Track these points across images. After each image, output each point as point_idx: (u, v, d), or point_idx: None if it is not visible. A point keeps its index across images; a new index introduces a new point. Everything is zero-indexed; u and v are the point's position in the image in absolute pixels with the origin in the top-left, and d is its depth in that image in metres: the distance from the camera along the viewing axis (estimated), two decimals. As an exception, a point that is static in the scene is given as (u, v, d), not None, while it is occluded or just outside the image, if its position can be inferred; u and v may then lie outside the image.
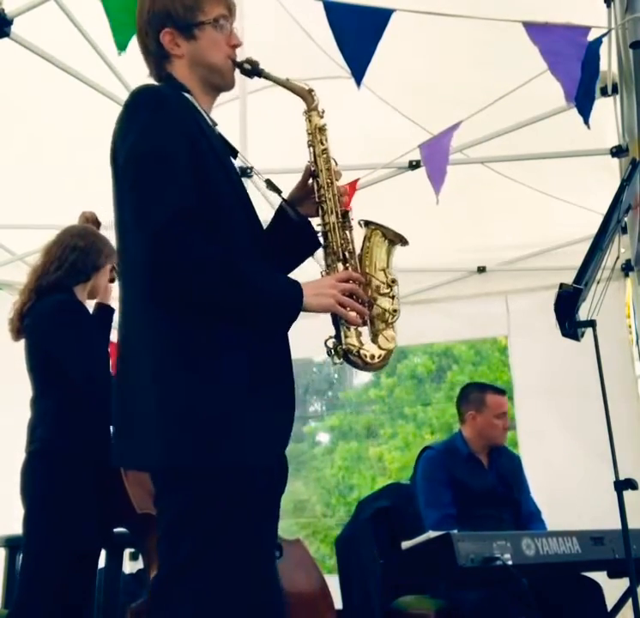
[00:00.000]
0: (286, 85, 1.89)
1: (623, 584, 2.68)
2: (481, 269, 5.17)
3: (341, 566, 3.33)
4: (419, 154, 3.67)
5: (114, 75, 3.38)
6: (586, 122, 2.87)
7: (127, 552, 3.67)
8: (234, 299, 1.60)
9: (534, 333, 4.81)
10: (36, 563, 2.55)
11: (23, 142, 3.90)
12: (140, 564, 3.77)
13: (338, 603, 3.22)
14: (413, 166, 3.86)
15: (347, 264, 1.78)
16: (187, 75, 1.79)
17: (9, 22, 2.77)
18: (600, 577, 3.11)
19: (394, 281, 1.80)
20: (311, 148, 1.86)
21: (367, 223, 1.85)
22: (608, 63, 3.22)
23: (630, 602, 2.39)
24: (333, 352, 1.71)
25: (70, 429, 2.62)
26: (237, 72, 1.86)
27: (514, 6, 3.00)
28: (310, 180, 1.86)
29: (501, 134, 3.69)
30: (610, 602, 3.16)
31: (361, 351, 1.72)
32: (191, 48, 1.78)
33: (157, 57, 1.80)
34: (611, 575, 3.00)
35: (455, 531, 2.69)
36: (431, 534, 2.73)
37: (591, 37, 2.78)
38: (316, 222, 1.87)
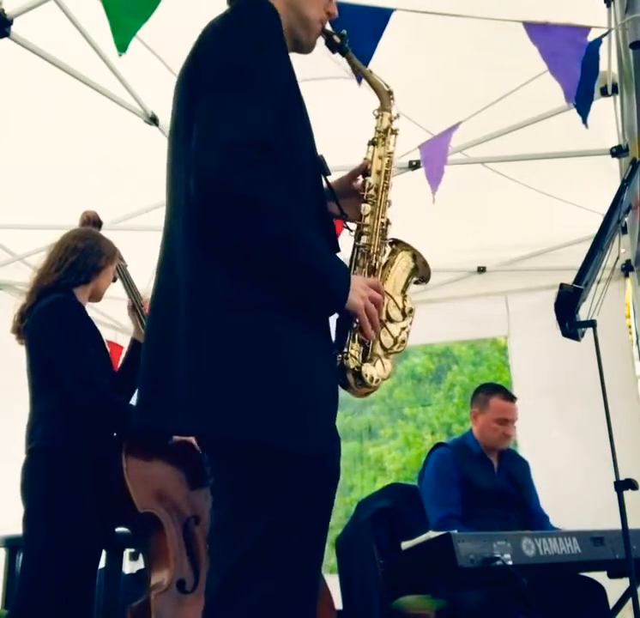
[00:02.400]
0: (367, 76, 1.80)
1: (623, 584, 2.68)
2: (481, 269, 5.17)
3: (341, 566, 3.33)
4: (419, 154, 3.67)
5: (114, 75, 3.38)
6: (584, 121, 2.87)
7: (127, 552, 3.66)
8: (283, 256, 1.43)
9: (534, 333, 4.81)
10: (36, 563, 2.55)
11: (23, 142, 3.90)
12: (140, 564, 3.76)
13: (338, 603, 3.22)
14: (413, 166, 3.87)
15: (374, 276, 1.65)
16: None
17: (9, 22, 2.77)
18: (600, 577, 3.11)
19: (411, 310, 1.67)
20: (373, 147, 1.78)
21: (397, 242, 1.72)
22: (608, 63, 3.22)
23: (630, 602, 2.39)
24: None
25: (67, 428, 2.62)
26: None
27: (514, 6, 3.00)
28: (360, 178, 1.77)
29: (501, 134, 3.69)
30: (610, 603, 3.16)
31: (363, 369, 1.57)
32: None
33: None
34: (611, 575, 3.00)
35: (456, 531, 2.69)
36: (431, 534, 2.73)
37: (591, 37, 2.78)
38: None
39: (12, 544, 3.43)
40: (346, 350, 1.57)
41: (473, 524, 3.14)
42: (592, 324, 2.34)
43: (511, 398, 3.56)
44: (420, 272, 1.74)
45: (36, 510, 2.59)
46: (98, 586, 2.84)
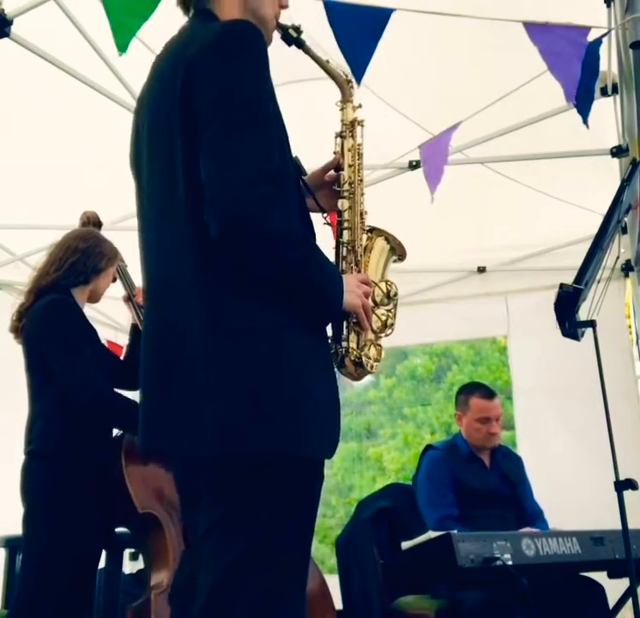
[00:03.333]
0: (324, 66, 1.82)
1: (623, 584, 2.69)
2: (481, 269, 5.17)
3: (341, 566, 3.33)
4: (419, 154, 3.67)
5: (114, 75, 3.38)
6: (585, 122, 2.87)
7: (127, 552, 3.67)
8: (297, 279, 1.50)
9: (533, 333, 4.81)
10: (37, 563, 2.55)
11: (23, 142, 3.90)
12: (140, 564, 3.76)
13: (338, 603, 3.22)
14: (413, 166, 3.86)
15: (359, 269, 1.74)
16: (234, 16, 1.63)
17: (9, 22, 2.77)
18: (600, 577, 3.11)
19: (396, 294, 1.76)
20: (341, 140, 1.81)
21: (372, 230, 1.80)
22: (608, 63, 3.22)
23: (630, 602, 2.39)
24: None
25: (64, 429, 2.62)
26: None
27: (514, 6, 3.00)
28: (332, 171, 1.81)
29: (501, 134, 3.69)
30: (610, 603, 3.16)
31: (363, 357, 1.66)
32: None
33: None
34: (611, 575, 3.00)
35: (455, 531, 2.69)
36: (431, 534, 2.74)
37: (591, 37, 2.78)
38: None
39: (12, 544, 3.43)
40: (346, 344, 1.65)
41: (469, 525, 3.14)
42: (592, 324, 2.34)
43: (490, 395, 3.51)
44: (397, 251, 1.82)
45: (36, 510, 2.59)
46: (98, 586, 2.85)
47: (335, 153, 1.83)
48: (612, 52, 3.14)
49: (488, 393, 3.53)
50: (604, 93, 3.31)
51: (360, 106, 1.86)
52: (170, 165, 1.56)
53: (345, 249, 1.74)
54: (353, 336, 1.66)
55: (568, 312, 2.32)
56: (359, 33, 2.76)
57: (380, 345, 1.71)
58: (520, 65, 3.11)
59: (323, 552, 11.32)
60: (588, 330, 2.36)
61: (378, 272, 1.78)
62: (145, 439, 1.59)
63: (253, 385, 1.45)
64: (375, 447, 13.80)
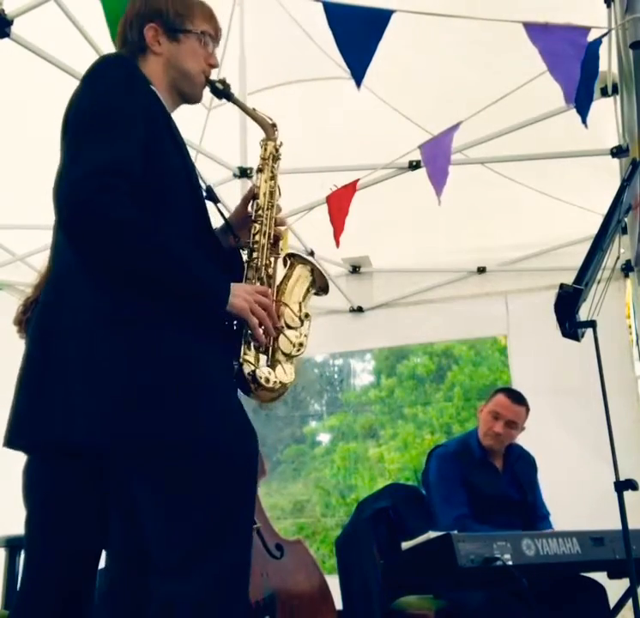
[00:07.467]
0: (251, 114, 1.94)
1: (623, 584, 2.68)
2: (481, 270, 5.17)
3: (341, 566, 3.33)
4: (420, 154, 3.67)
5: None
6: (584, 122, 2.87)
7: (127, 552, 3.65)
8: (155, 268, 1.56)
9: (533, 333, 4.81)
10: (37, 563, 2.55)
11: (23, 142, 3.90)
12: (140, 564, 3.75)
13: (338, 604, 3.22)
14: (413, 166, 3.86)
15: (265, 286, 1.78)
16: (159, 74, 1.81)
17: (9, 22, 2.77)
18: (600, 577, 3.11)
19: (307, 315, 1.80)
20: (260, 174, 1.90)
21: (293, 256, 1.86)
22: (608, 63, 3.23)
23: (630, 602, 2.39)
24: None
25: None
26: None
27: (514, 6, 3.00)
28: (251, 203, 1.90)
29: (501, 134, 3.69)
30: (610, 603, 3.16)
31: (256, 371, 1.68)
32: (172, 49, 1.81)
33: (133, 48, 1.82)
34: (611, 575, 3.00)
35: (456, 532, 2.69)
36: (431, 534, 2.73)
37: (591, 37, 2.78)
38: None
39: (12, 544, 3.42)
40: (240, 357, 1.67)
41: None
42: (592, 324, 2.33)
43: (517, 400, 3.49)
44: (318, 283, 1.85)
45: (37, 510, 2.59)
46: (98, 586, 2.84)
47: (253, 185, 1.91)
48: (613, 52, 3.14)
49: (515, 397, 3.52)
50: (604, 93, 3.32)
51: (282, 144, 1.94)
52: None
53: (249, 268, 1.79)
54: (252, 352, 1.68)
55: (568, 312, 2.32)
56: (358, 35, 2.75)
57: (290, 366, 1.73)
58: (520, 65, 3.11)
59: (322, 552, 11.33)
60: (589, 331, 2.36)
61: (294, 296, 1.81)
62: (14, 431, 1.72)
63: (124, 374, 1.52)
64: (375, 447, 13.80)
